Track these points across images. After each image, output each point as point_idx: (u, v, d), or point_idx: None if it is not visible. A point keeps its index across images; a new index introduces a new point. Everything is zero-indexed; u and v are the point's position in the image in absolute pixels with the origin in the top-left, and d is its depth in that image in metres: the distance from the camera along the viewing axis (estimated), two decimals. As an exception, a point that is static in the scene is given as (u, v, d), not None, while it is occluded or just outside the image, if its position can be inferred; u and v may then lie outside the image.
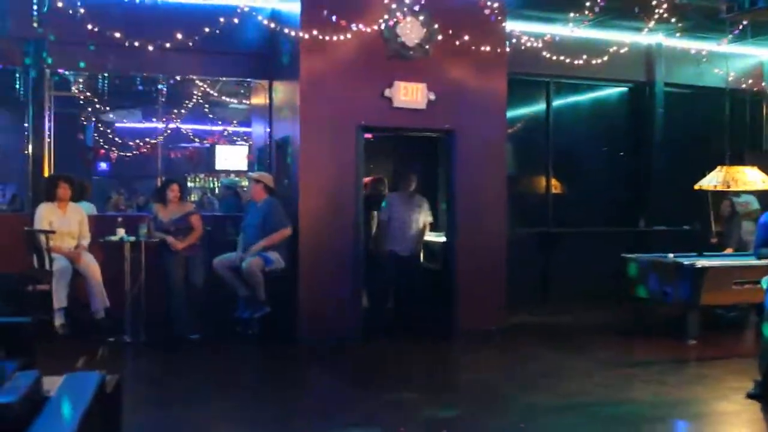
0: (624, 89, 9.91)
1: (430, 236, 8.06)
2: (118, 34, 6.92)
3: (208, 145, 14.86)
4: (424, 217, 7.75)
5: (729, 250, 8.13)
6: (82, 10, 6.79)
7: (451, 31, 7.28)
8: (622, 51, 8.60)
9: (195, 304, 7.07)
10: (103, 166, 15.08)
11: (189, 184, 15.14)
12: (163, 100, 10.00)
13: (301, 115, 6.98)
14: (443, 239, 7.84)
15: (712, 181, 8.06)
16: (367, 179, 7.76)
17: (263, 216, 6.94)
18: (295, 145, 7.16)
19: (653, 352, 6.82)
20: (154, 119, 12.65)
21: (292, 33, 6.99)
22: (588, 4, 7.54)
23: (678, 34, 9.24)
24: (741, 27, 8.23)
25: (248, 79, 8.56)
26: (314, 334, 6.89)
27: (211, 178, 15.34)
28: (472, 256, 7.44)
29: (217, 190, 14.77)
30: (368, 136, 7.71)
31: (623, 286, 7.76)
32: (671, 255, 7.53)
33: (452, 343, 7.26)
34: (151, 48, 7.08)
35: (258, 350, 6.96)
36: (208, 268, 7.01)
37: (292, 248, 7.00)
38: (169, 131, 12.44)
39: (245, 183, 11.21)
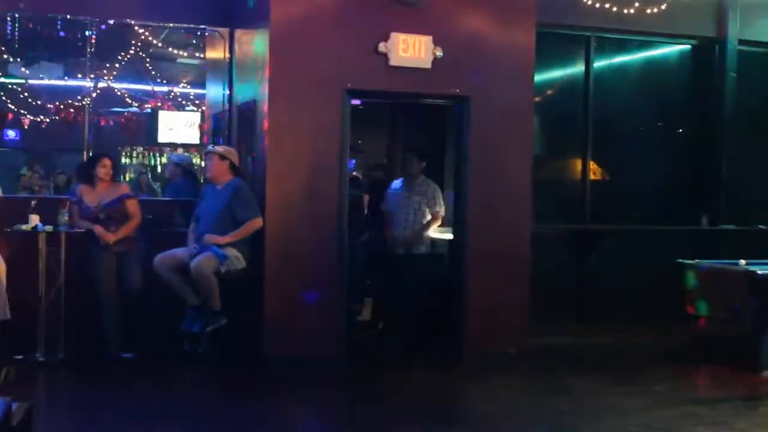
0: (686, 47, 9.84)
1: (436, 233, 8.11)
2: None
3: (148, 110, 14.75)
4: (425, 206, 7.79)
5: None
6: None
7: (464, -31, 7.33)
8: (684, -2, 8.65)
9: (129, 314, 7.08)
10: (12, 134, 15.03)
11: (124, 160, 15.08)
12: (92, 51, 9.91)
13: (271, 74, 6.97)
14: (449, 236, 7.88)
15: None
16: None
17: (227, 202, 6.94)
18: (262, 113, 7.16)
19: (718, 385, 6.87)
20: (79, 76, 12.56)
21: (261, -34, 7.03)
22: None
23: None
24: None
25: (202, 27, 8.54)
26: (285, 353, 6.91)
27: (152, 153, 15.26)
28: (486, 259, 7.47)
29: (160, 169, 14.71)
30: (357, 102, 7.68)
31: (679, 300, 7.79)
32: (742, 262, 7.56)
33: (459, 369, 7.31)
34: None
35: (211, 374, 6.98)
36: (148, 267, 6.99)
37: (256, 243, 7.01)
38: (98, 92, 12.34)
39: (199, 160, 11.17)
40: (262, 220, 6.89)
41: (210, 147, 7.31)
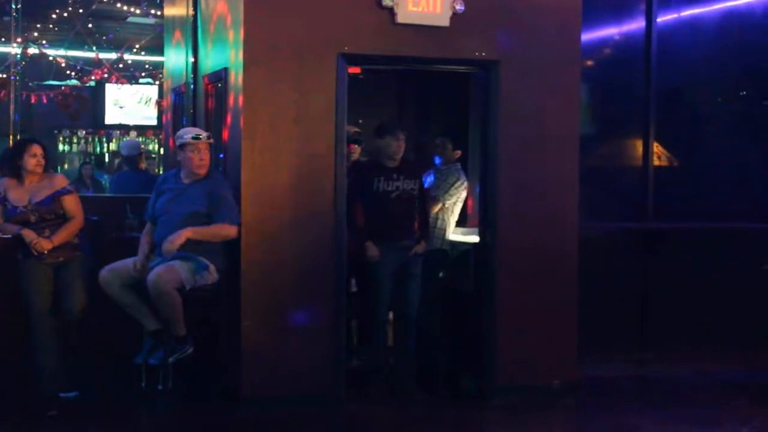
0: None
1: (456, 234, 8.13)
2: None
3: (92, 83, 14.71)
4: (427, 196, 7.96)
5: None
6: None
7: None
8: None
9: (71, 343, 7.07)
10: None
11: (61, 147, 15.09)
12: (18, 8, 9.90)
13: (246, 35, 6.96)
14: (475, 238, 7.89)
15: None
16: None
17: (205, 202, 6.95)
18: (235, 85, 7.16)
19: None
20: (2, 40, 12.58)
21: None
22: None
23: None
24: None
25: None
26: (266, 390, 6.93)
27: (97, 138, 15.22)
28: (521, 267, 7.51)
29: (107, 158, 14.69)
30: (356, 70, 7.72)
31: None
32: None
33: (488, 408, 7.30)
34: None
35: (174, 418, 6.95)
36: (93, 282, 6.98)
37: (231, 251, 7.02)
38: (27, 60, 12.34)
39: (158, 146, 11.17)
40: (237, 230, 6.89)
41: (194, 135, 7.08)
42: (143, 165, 10.25)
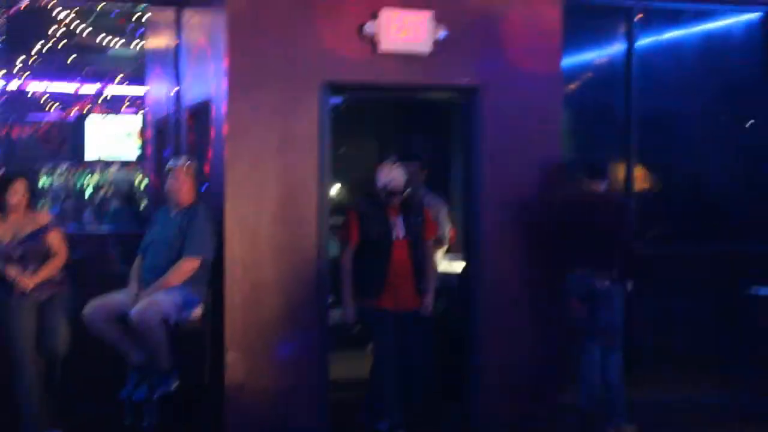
0: (754, 16, 9.79)
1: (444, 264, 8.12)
2: None
3: (74, 116, 14.67)
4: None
5: None
6: None
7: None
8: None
9: (55, 380, 7.00)
10: None
11: (43, 182, 15.01)
12: (1, 39, 9.80)
13: (230, 66, 7.01)
14: (460, 266, 7.89)
15: None
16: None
17: (182, 229, 6.98)
18: (219, 115, 7.19)
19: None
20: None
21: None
22: None
23: None
24: None
25: (141, 6, 8.70)
26: (252, 426, 6.92)
27: (79, 172, 15.17)
28: (505, 297, 7.54)
29: (88, 193, 14.62)
30: (339, 99, 7.81)
31: (758, 342, 7.76)
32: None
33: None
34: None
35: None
36: (77, 319, 6.93)
37: (213, 283, 7.05)
38: (7, 94, 12.26)
39: (141, 179, 11.12)
40: (199, 260, 6.92)
41: (173, 162, 7.29)
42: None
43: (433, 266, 7.47)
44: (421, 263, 7.14)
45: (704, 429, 7.30)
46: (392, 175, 7.05)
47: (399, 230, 7.08)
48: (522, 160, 7.60)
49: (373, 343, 7.29)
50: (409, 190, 7.26)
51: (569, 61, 8.43)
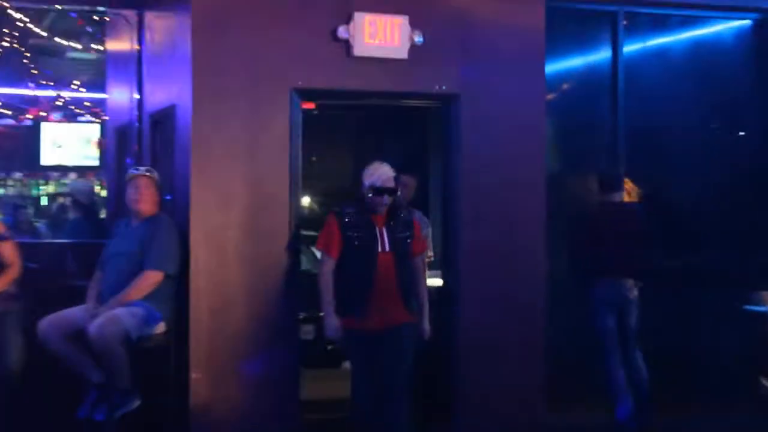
0: (745, 23, 9.79)
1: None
2: None
3: (28, 122, 14.57)
4: None
5: None
6: None
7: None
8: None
9: (8, 399, 6.89)
10: None
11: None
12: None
13: (195, 70, 6.94)
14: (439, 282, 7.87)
15: None
16: None
17: (143, 241, 6.90)
18: (183, 123, 7.13)
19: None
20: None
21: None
22: None
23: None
24: None
25: (101, 9, 8.58)
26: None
27: (34, 180, 15.08)
28: (486, 315, 7.49)
29: (43, 201, 14.48)
30: (310, 105, 7.61)
31: (752, 361, 7.78)
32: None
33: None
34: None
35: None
36: (31, 335, 6.81)
37: (177, 298, 6.98)
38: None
39: (101, 188, 10.98)
40: (162, 274, 6.85)
41: (134, 170, 7.29)
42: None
43: (425, 285, 7.03)
44: (410, 281, 6.67)
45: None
46: (381, 170, 6.56)
47: (385, 242, 6.58)
48: (504, 172, 7.56)
49: (352, 366, 6.93)
50: (399, 193, 6.85)
51: (553, 67, 8.44)
